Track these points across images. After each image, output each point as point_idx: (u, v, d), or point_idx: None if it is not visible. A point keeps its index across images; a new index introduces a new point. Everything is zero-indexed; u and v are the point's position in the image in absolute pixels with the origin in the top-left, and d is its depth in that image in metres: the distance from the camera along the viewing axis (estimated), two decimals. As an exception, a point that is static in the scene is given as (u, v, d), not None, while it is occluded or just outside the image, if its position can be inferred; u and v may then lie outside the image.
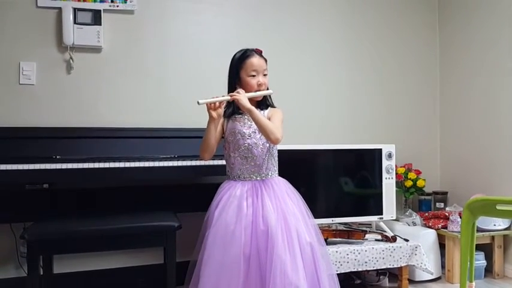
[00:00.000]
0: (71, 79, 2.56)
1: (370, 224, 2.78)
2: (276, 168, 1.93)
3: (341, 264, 2.35)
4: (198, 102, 1.76)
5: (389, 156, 2.74)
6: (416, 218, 2.87)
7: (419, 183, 3.02)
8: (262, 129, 1.80)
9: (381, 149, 2.74)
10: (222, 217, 1.75)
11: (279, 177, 1.92)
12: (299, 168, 2.57)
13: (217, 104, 1.81)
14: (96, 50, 2.59)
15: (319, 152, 2.67)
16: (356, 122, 3.12)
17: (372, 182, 2.72)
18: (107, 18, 2.58)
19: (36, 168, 2.11)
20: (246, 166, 1.85)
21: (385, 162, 2.73)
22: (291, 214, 1.79)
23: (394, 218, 2.74)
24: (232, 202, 1.78)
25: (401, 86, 3.24)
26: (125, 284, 2.45)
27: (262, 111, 1.91)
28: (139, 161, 2.25)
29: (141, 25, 2.68)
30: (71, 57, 2.54)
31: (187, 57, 2.76)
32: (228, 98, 1.82)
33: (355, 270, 2.38)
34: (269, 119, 1.88)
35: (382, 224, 2.70)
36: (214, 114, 1.81)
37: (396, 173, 2.86)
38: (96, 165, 2.19)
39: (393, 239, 2.51)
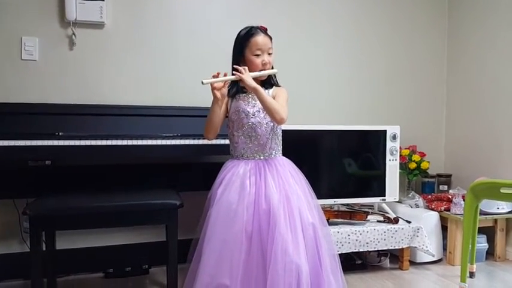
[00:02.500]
0: (74, 55, 2.53)
1: (373, 206, 2.78)
2: (280, 148, 1.92)
3: (342, 245, 2.35)
4: (202, 82, 1.74)
5: (394, 137, 2.72)
6: (419, 200, 2.86)
7: (423, 165, 3.00)
8: (267, 108, 1.78)
9: (385, 131, 2.71)
10: (224, 195, 1.75)
11: (283, 157, 1.91)
12: (303, 148, 2.56)
13: (222, 83, 1.79)
14: (99, 25, 2.55)
15: (324, 132, 2.64)
16: (361, 103, 3.09)
17: (376, 164, 2.71)
18: (109, -7, 2.54)
19: (38, 144, 2.11)
20: (250, 145, 1.84)
21: (389, 144, 2.71)
22: (293, 194, 1.78)
23: (397, 200, 2.74)
24: (235, 181, 1.77)
25: (408, 67, 3.20)
26: (128, 261, 2.46)
27: (266, 91, 1.88)
28: (142, 139, 2.23)
29: (144, 0, 2.63)
30: (74, 33, 2.50)
31: (191, 34, 2.71)
32: (232, 77, 1.79)
33: (357, 250, 2.39)
34: (273, 98, 1.85)
35: (384, 206, 2.70)
36: (218, 94, 1.79)
37: (400, 155, 2.84)
38: (99, 142, 2.18)
39: (395, 221, 2.51)
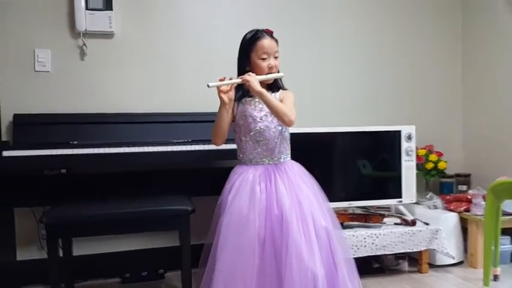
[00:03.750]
0: (85, 65, 2.56)
1: (389, 208, 2.72)
2: (289, 151, 1.89)
3: (358, 248, 2.31)
4: (208, 85, 1.73)
5: (409, 137, 2.66)
6: (438, 201, 2.79)
7: (441, 165, 2.93)
8: (274, 111, 1.76)
9: (400, 131, 2.66)
10: (235, 202, 1.73)
11: (292, 161, 1.89)
12: (314, 151, 2.52)
13: (228, 87, 1.78)
14: (109, 35, 2.58)
15: (337, 134, 2.60)
16: (374, 103, 3.03)
17: (391, 165, 2.66)
18: (118, 3, 2.56)
19: (53, 154, 2.15)
20: (258, 150, 1.82)
21: (404, 144, 2.66)
22: (305, 198, 1.75)
23: (414, 201, 2.67)
24: (245, 187, 1.75)
25: (422, 64, 3.13)
26: (144, 266, 2.48)
27: (273, 94, 1.86)
28: (153, 145, 2.25)
29: (152, 9, 2.65)
30: (84, 44, 2.53)
31: (199, 41, 2.72)
32: (238, 80, 1.78)
33: (373, 254, 2.34)
34: (281, 101, 1.83)
35: (401, 208, 2.64)
36: (225, 98, 1.78)
37: (417, 155, 2.78)
38: (112, 150, 2.21)
39: (413, 223, 2.45)
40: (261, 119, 1.82)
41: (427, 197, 2.85)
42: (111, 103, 2.58)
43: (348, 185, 2.63)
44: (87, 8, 2.50)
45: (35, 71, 2.49)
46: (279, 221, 1.68)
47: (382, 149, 2.68)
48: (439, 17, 3.15)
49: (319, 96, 2.92)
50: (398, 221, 2.49)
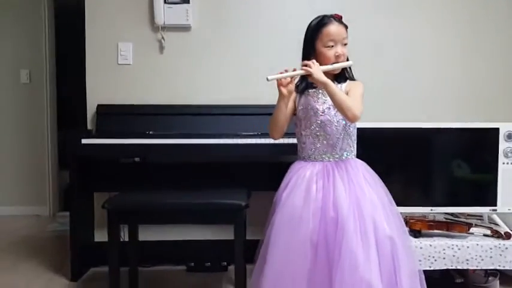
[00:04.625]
0: (164, 58, 2.64)
1: (481, 217, 2.39)
2: (354, 149, 1.74)
3: (435, 260, 2.05)
4: (267, 79, 1.65)
5: (509, 137, 2.29)
6: (545, 212, 2.37)
7: (552, 170, 2.48)
8: (338, 105, 1.63)
9: (497, 128, 2.30)
10: (289, 200, 1.64)
11: (356, 159, 1.73)
12: (391, 149, 2.30)
13: (289, 79, 1.68)
14: (186, 28, 2.63)
15: (419, 130, 2.32)
16: (468, 96, 2.68)
17: (485, 168, 2.31)
18: (195, -4, 2.60)
19: (129, 143, 2.27)
20: (318, 145, 1.70)
21: (503, 144, 2.29)
22: (367, 201, 1.59)
23: (514, 210, 2.30)
24: (300, 184, 1.65)
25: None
26: (208, 256, 2.50)
27: (339, 85, 1.72)
28: (221, 137, 2.25)
29: (228, 2, 2.64)
30: (163, 37, 2.61)
31: (275, 31, 2.64)
32: (300, 72, 1.67)
33: (453, 267, 2.07)
34: (347, 93, 1.69)
35: (495, 217, 2.29)
36: (284, 91, 1.67)
37: (521, 157, 2.38)
38: (184, 141, 2.26)
39: (507, 236, 2.11)
40: (323, 112, 1.70)
41: (532, 206, 2.44)
42: (186, 95, 2.63)
43: (431, 188, 2.36)
44: (165, 2, 2.57)
45: (118, 64, 2.64)
46: (334, 224, 1.56)
47: (474, 149, 2.35)
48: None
49: (403, 87, 2.67)
50: (489, 232, 2.16)
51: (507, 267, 2.08)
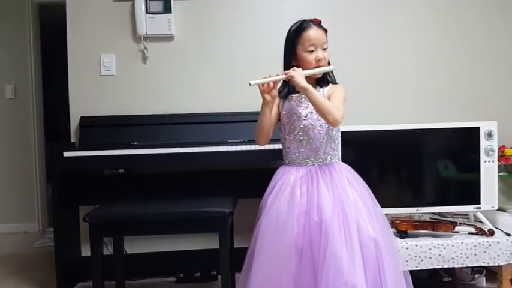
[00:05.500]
0: (147, 68, 2.65)
1: (467, 215, 2.41)
2: (337, 152, 1.75)
3: (422, 260, 2.07)
4: (249, 83, 1.66)
5: (490, 135, 2.32)
6: (527, 208, 2.41)
7: (533, 167, 2.53)
8: (318, 109, 1.63)
9: (478, 128, 2.34)
10: (274, 205, 1.65)
11: (340, 163, 1.74)
12: (374, 151, 2.32)
13: (271, 84, 1.69)
14: (168, 38, 2.64)
15: (402, 132, 2.35)
16: (448, 95, 2.72)
17: (469, 167, 2.34)
18: (176, 6, 2.61)
19: (112, 154, 2.24)
20: (301, 150, 1.71)
21: (484, 143, 2.33)
22: (351, 205, 1.60)
23: (496, 208, 2.33)
24: (285, 190, 1.66)
25: (504, 52, 2.74)
26: (197, 266, 2.49)
27: (321, 89, 1.74)
28: (207, 145, 2.25)
29: (210, 11, 2.66)
30: (145, 47, 2.62)
31: (257, 40, 2.67)
32: (281, 77, 1.68)
33: (440, 267, 2.08)
34: (329, 97, 1.70)
35: (480, 215, 2.32)
36: (267, 97, 1.68)
37: (503, 155, 2.43)
38: (168, 150, 2.25)
39: (490, 233, 2.13)
40: (305, 117, 1.71)
41: (514, 203, 2.49)
42: (171, 104, 2.63)
43: (415, 189, 2.38)
44: (147, 12, 2.58)
45: (101, 75, 2.63)
46: (318, 229, 1.56)
47: (456, 148, 2.38)
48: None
49: (382, 88, 2.71)
50: (474, 230, 2.19)
51: (491, 264, 2.10)
